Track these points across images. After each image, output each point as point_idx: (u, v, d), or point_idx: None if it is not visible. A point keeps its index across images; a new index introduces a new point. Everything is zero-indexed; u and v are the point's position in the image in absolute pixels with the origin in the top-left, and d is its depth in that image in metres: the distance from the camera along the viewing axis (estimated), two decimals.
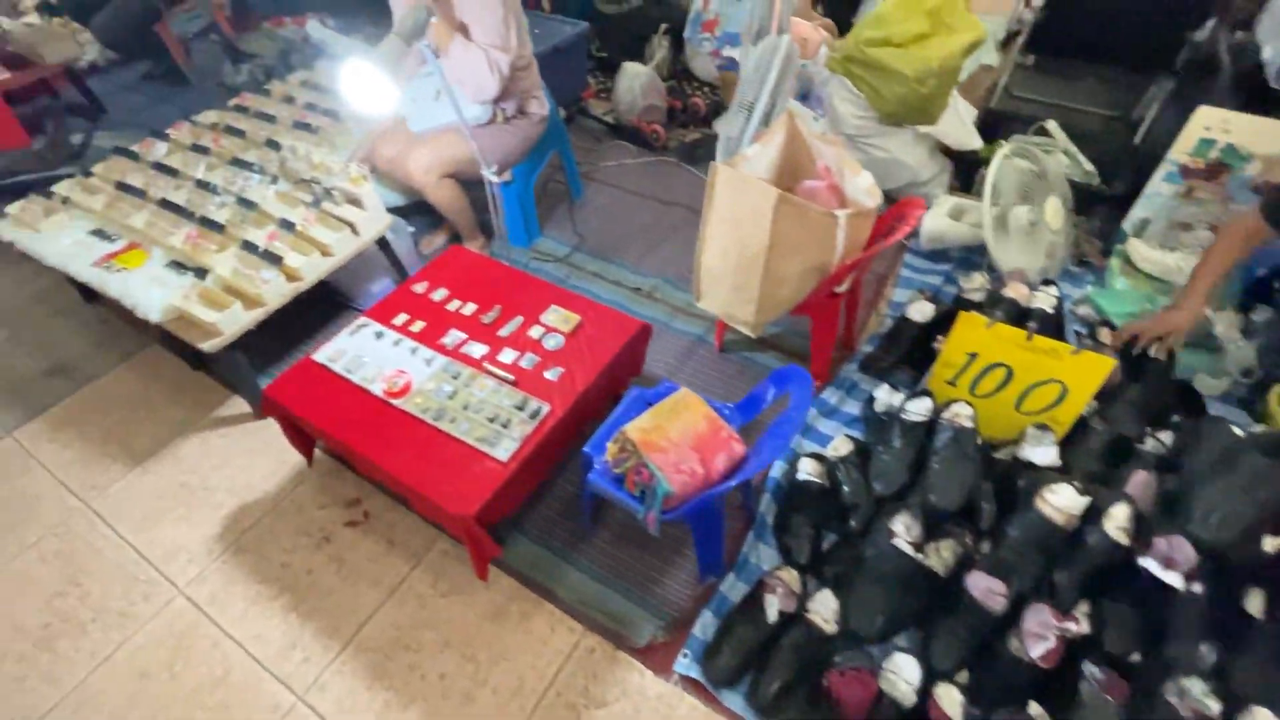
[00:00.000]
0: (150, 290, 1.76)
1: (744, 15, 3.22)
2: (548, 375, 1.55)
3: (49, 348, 2.16)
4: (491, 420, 1.45)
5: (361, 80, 1.40)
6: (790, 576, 1.40)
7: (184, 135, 2.31)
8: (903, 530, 1.35)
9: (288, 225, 1.88)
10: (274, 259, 1.78)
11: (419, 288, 1.78)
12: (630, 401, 1.53)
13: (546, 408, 1.47)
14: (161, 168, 2.12)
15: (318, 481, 1.76)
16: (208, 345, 1.67)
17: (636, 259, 2.39)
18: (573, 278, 2.33)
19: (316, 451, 1.77)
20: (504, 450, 1.39)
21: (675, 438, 1.36)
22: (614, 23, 3.51)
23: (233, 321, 1.69)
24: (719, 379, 1.96)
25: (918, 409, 1.55)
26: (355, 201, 1.96)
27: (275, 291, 1.77)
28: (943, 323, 1.85)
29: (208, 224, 1.89)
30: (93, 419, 1.94)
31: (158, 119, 3.33)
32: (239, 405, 1.96)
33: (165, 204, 1.97)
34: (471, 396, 1.50)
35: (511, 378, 1.53)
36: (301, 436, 1.70)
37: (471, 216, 2.26)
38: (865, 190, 1.54)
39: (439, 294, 1.76)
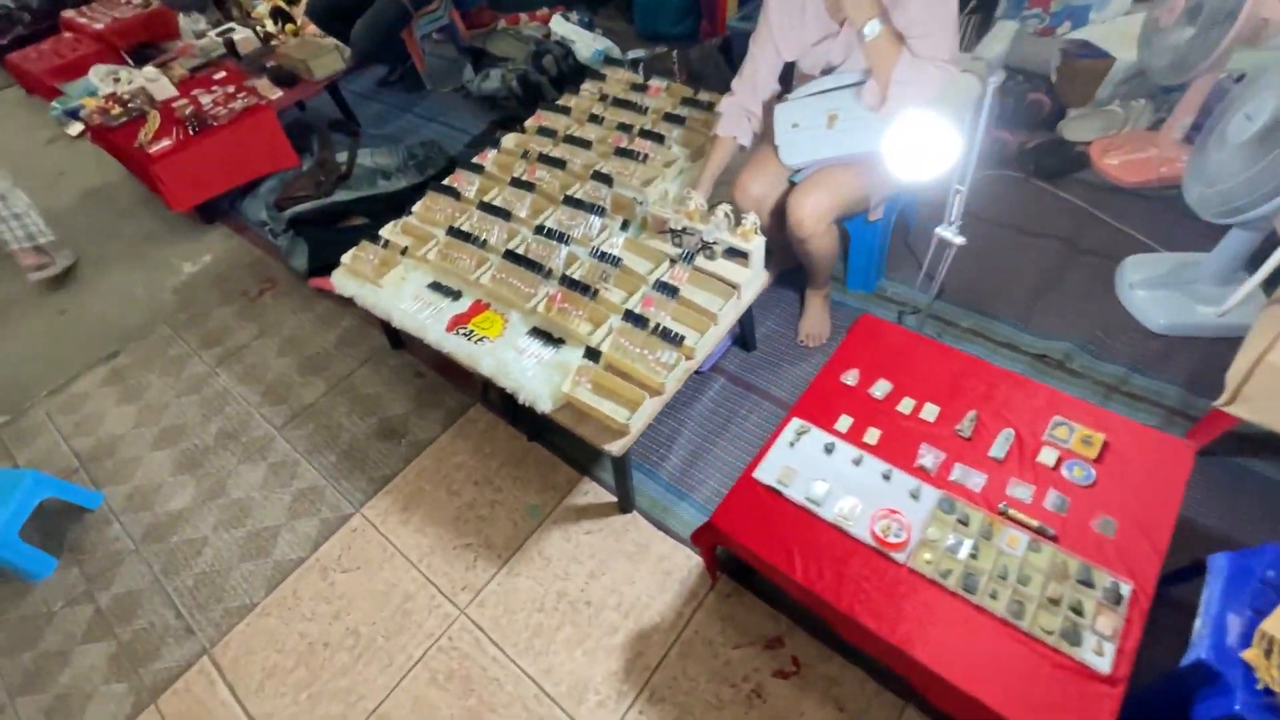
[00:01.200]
0: (523, 365, 1.52)
1: None
2: (1095, 527, 1.15)
3: (370, 403, 2.03)
4: (1054, 602, 1.07)
5: (922, 135, 1.03)
6: None
7: (495, 166, 2.07)
8: None
9: (668, 290, 1.58)
10: (673, 338, 1.47)
11: (849, 378, 1.42)
12: (1230, 577, 1.10)
13: (1128, 587, 1.07)
14: (489, 209, 1.89)
15: (718, 606, 1.47)
16: (615, 447, 1.41)
17: (1023, 313, 1.92)
18: (945, 335, 1.90)
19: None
20: (1099, 656, 1.01)
21: None
22: None
23: (641, 418, 1.41)
24: (1212, 496, 1.48)
25: None
26: (740, 256, 1.63)
27: (675, 378, 1.47)
28: None
29: (570, 284, 1.62)
30: (438, 497, 1.76)
31: (404, 129, 3.20)
32: (595, 492, 1.71)
33: (511, 256, 1.73)
34: (1005, 558, 1.12)
35: (1051, 531, 1.15)
36: (713, 553, 1.41)
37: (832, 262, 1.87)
38: None
39: (880, 388, 1.39)
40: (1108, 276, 1.96)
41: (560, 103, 2.30)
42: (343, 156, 2.87)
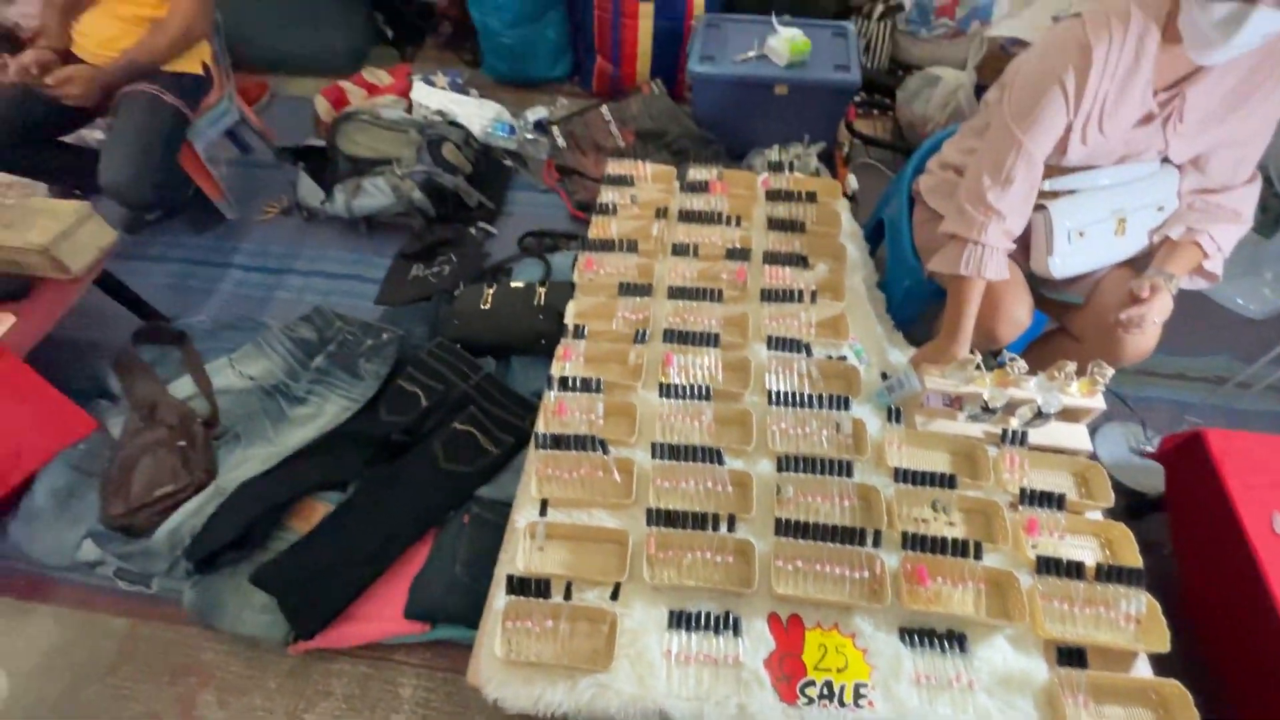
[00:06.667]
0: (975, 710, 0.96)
1: None
2: None
3: None
4: None
5: None
6: None
7: (589, 365, 1.33)
8: None
9: (1045, 499, 1.12)
10: (1126, 576, 1.04)
11: None
12: None
13: None
14: (676, 451, 1.17)
15: None
16: None
17: (1175, 346, 1.89)
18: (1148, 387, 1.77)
19: None
20: None
21: None
22: None
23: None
24: None
25: None
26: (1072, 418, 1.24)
27: (1157, 634, 1.05)
28: None
29: (919, 544, 1.07)
30: None
31: (241, 300, 1.99)
32: None
33: (803, 530, 1.09)
34: None
35: None
36: None
37: None
38: None
39: None
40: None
41: (595, 236, 1.58)
42: (185, 387, 1.69)
